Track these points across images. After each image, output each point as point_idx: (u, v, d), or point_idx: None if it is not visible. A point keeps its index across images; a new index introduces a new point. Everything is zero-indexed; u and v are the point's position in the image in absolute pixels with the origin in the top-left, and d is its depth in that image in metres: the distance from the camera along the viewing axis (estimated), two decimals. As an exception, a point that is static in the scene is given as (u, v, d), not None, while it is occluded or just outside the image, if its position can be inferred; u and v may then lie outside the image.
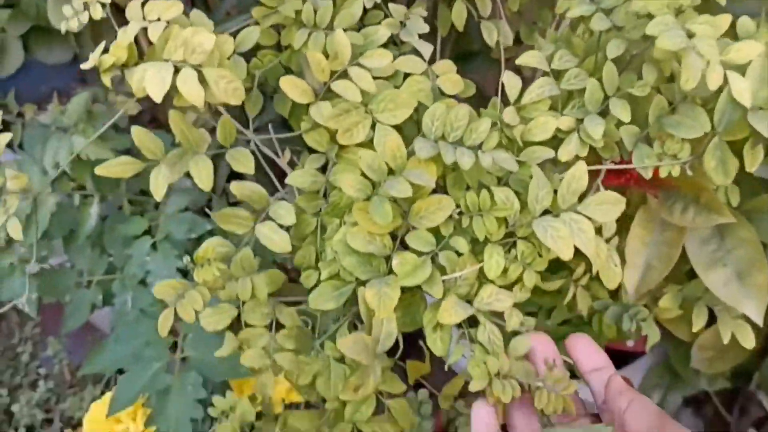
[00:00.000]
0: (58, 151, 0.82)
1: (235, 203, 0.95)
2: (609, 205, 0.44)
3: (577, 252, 0.67)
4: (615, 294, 0.71)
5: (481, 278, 0.46)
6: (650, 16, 0.42)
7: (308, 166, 0.50)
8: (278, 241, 0.47)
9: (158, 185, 0.45)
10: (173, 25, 0.43)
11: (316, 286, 0.47)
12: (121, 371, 1.01)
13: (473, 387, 0.46)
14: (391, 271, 0.44)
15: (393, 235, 0.44)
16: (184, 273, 0.81)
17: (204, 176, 0.46)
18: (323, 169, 0.51)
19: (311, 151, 0.57)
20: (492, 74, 0.56)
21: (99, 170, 0.45)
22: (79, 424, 1.03)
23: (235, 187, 0.48)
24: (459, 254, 0.44)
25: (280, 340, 0.48)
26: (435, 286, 0.43)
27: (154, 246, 0.82)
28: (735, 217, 0.51)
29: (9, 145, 0.95)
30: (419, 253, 0.44)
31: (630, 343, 0.94)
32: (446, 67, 0.50)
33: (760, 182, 0.55)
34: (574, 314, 0.79)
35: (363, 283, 0.45)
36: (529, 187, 0.43)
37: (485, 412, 0.43)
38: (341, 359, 0.47)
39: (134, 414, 0.76)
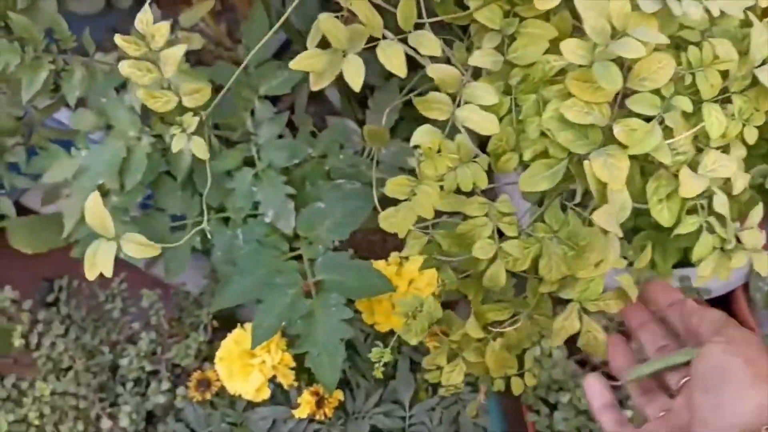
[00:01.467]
0: (145, 88, 0.77)
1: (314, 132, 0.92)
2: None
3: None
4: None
5: (696, 144, 0.44)
6: None
7: (486, 45, 0.46)
8: (483, 122, 0.44)
9: (353, 74, 0.42)
10: None
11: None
12: (218, 315, 1.02)
13: (705, 268, 0.44)
14: (609, 141, 0.41)
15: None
16: (292, 197, 0.79)
17: (395, 60, 0.43)
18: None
19: (461, 40, 0.54)
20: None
21: (294, 64, 0.42)
22: (183, 370, 1.02)
23: (432, 69, 0.45)
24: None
25: (503, 228, 0.45)
26: (663, 151, 0.41)
27: (255, 177, 0.80)
28: None
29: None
30: (643, 118, 0.41)
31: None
32: None
33: None
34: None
35: (578, 159, 0.42)
36: (752, 33, 0.41)
37: (600, 385, 0.46)
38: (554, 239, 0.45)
39: (268, 346, 0.75)
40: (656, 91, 0.41)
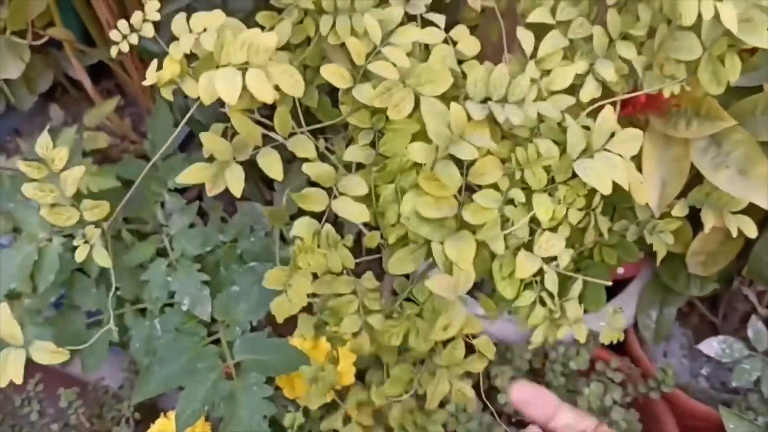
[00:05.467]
0: (55, 192, 0.80)
1: (224, 218, 0.96)
2: (631, 141, 0.50)
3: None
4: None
5: (531, 225, 0.51)
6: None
7: (360, 142, 0.53)
8: (356, 212, 0.50)
9: (234, 183, 0.48)
10: (225, 30, 0.45)
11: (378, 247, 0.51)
12: (139, 407, 1.02)
13: (538, 336, 0.51)
14: (461, 227, 0.49)
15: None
16: (206, 283, 0.83)
17: (275, 167, 0.49)
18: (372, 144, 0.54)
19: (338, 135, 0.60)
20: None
21: (182, 178, 0.47)
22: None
23: (307, 167, 0.51)
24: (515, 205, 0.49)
25: (369, 304, 0.51)
26: (498, 241, 0.48)
27: (170, 266, 0.83)
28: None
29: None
30: (484, 209, 0.48)
31: (620, 271, 1.03)
32: (462, 32, 0.55)
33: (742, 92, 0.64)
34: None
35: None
36: (568, 134, 0.49)
37: None
38: (419, 314, 0.51)
39: (192, 430, 0.77)
40: (494, 185, 0.49)
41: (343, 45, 0.53)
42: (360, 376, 0.86)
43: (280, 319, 0.51)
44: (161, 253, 0.86)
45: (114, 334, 0.88)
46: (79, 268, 0.90)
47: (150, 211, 0.90)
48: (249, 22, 0.52)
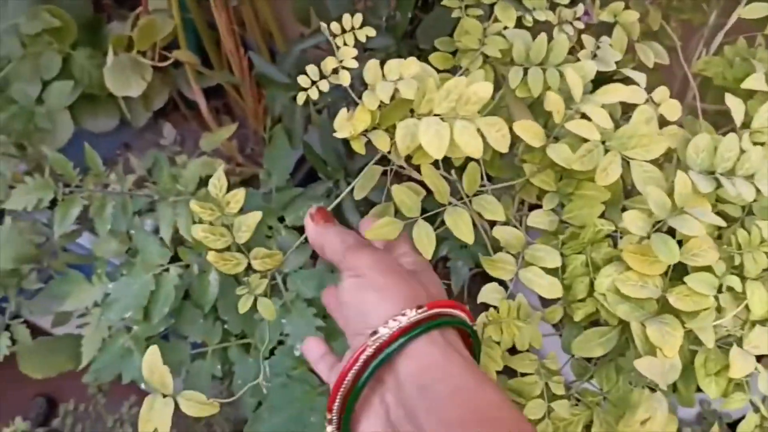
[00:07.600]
0: (176, 220, 0.78)
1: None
2: None
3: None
4: None
5: (736, 316, 0.45)
6: None
7: (546, 206, 0.48)
8: (547, 286, 0.45)
9: (425, 245, 0.43)
10: (429, 79, 0.42)
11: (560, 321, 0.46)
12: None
13: None
14: (663, 310, 0.43)
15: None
16: (320, 329, 0.78)
17: (465, 229, 0.44)
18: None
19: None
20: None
21: (369, 234, 0.43)
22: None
23: (497, 231, 0.46)
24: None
25: (553, 388, 0.46)
26: (708, 332, 0.43)
27: (283, 307, 0.79)
28: None
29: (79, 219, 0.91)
30: (697, 294, 0.43)
31: None
32: (664, 93, 0.50)
33: None
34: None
35: (627, 324, 0.44)
36: None
37: (314, 341, 0.48)
38: (600, 404, 0.46)
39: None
40: (709, 268, 0.43)
41: (527, 98, 0.49)
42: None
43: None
44: (272, 289, 0.82)
45: (217, 369, 0.87)
46: (185, 296, 0.87)
47: (260, 244, 0.87)
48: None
